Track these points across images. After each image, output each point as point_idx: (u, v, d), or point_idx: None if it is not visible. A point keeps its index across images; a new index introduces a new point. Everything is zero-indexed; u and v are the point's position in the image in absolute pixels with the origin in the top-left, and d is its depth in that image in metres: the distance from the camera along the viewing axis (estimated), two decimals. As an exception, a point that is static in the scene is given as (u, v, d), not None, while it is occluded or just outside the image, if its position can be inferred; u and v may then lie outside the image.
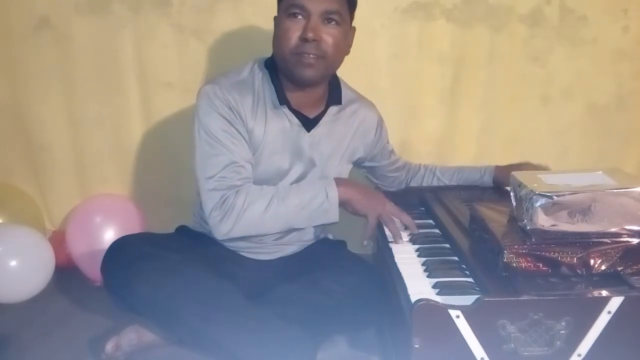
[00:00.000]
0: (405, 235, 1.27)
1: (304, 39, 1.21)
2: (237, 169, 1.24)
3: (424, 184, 1.60)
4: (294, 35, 1.22)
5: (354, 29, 1.33)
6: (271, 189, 1.26)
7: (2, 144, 1.80)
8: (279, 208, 1.23)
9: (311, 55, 1.22)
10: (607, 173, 1.05)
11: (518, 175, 1.09)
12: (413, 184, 1.61)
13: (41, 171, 1.82)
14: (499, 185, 1.51)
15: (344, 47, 1.29)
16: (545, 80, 1.76)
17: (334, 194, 1.25)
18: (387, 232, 1.28)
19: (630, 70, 1.76)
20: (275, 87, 1.31)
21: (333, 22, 1.23)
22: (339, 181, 1.28)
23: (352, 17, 1.31)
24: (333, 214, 1.26)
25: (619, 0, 1.71)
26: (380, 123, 1.50)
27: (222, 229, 1.23)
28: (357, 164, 1.53)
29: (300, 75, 1.25)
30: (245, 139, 1.27)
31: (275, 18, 1.30)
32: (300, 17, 1.21)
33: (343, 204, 1.28)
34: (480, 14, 1.69)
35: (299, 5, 1.20)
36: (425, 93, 1.77)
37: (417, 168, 1.62)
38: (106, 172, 1.82)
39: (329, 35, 1.23)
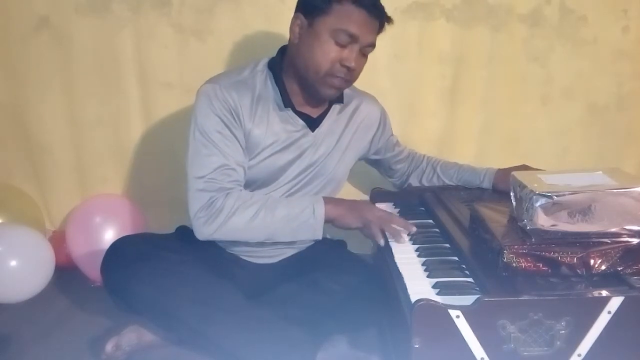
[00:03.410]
0: (404, 236, 1.27)
1: (345, 67, 1.23)
2: (228, 171, 1.24)
3: (424, 180, 1.59)
4: (334, 58, 1.22)
5: None
6: (261, 198, 1.25)
7: (2, 144, 1.80)
8: (266, 218, 1.22)
9: (342, 79, 1.25)
10: (607, 173, 1.05)
11: (518, 175, 1.09)
12: (413, 178, 1.61)
13: (41, 171, 1.82)
14: (498, 191, 1.50)
15: None
16: (545, 80, 1.76)
17: (321, 211, 1.25)
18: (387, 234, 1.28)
19: (630, 70, 1.76)
20: (279, 90, 1.31)
21: (367, 53, 1.27)
22: (327, 199, 1.28)
23: None
24: (317, 231, 1.26)
25: (619, 0, 1.70)
26: (383, 116, 1.51)
27: (205, 231, 1.22)
28: (363, 158, 1.53)
29: (325, 94, 1.28)
30: (240, 143, 1.27)
31: (300, 20, 1.24)
32: (346, 43, 1.23)
33: (331, 222, 1.28)
34: (480, 14, 1.69)
35: (353, 35, 1.21)
36: (425, 93, 1.76)
37: (420, 160, 1.61)
38: (106, 173, 1.81)
39: (360, 65, 1.27)
